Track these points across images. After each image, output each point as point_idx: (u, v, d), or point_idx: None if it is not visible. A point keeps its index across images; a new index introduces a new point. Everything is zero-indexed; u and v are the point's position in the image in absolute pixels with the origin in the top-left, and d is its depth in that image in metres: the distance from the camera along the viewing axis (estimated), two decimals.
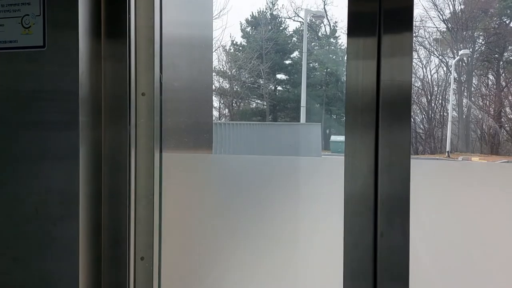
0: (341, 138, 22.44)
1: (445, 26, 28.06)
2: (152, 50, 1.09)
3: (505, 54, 27.39)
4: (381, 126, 1.08)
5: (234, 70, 30.93)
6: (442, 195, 1.43)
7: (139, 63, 1.09)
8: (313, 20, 21.28)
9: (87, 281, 0.91)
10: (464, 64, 25.65)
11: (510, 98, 26.38)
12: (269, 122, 30.52)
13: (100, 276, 0.97)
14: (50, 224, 0.87)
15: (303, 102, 17.87)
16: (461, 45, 27.12)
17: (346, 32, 1.17)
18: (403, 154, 1.07)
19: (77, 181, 0.86)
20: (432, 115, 27.76)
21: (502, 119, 26.44)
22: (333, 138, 23.51)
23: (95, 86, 0.98)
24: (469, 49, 26.13)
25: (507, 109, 26.38)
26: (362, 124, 1.10)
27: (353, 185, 1.11)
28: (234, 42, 32.84)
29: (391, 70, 1.09)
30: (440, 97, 27.94)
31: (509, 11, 26.59)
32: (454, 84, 24.23)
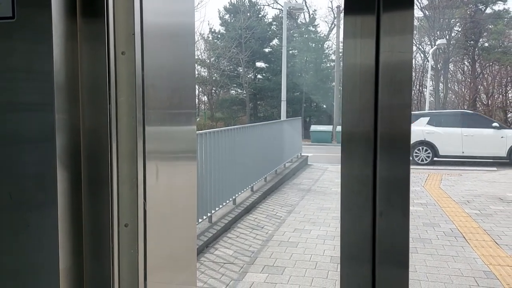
0: (321, 127, 22.70)
1: (423, 14, 28.51)
2: (132, 31, 1.01)
3: (481, 40, 28.04)
4: (381, 103, 1.04)
5: (213, 59, 30.70)
6: None
7: (118, 44, 1.01)
8: (293, 11, 21.22)
9: (68, 270, 0.85)
10: (441, 51, 26.14)
11: (485, 84, 27.09)
12: (250, 110, 30.52)
13: (82, 264, 0.91)
14: (26, 211, 0.80)
15: (283, 96, 17.83)
16: (438, 32, 27.61)
17: (343, 10, 1.12)
18: (403, 130, 1.04)
19: (54, 165, 0.79)
20: None
21: (477, 105, 27.17)
22: (313, 128, 23.71)
23: (71, 65, 0.91)
24: (446, 37, 26.61)
25: (482, 95, 27.10)
26: (360, 102, 1.06)
27: (350, 162, 1.08)
28: (213, 30, 32.57)
29: (391, 48, 1.05)
30: (418, 83, 28.48)
31: None
32: (432, 72, 24.70)
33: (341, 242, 1.09)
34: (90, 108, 0.96)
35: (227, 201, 6.05)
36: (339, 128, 21.14)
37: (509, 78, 26.66)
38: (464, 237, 5.25)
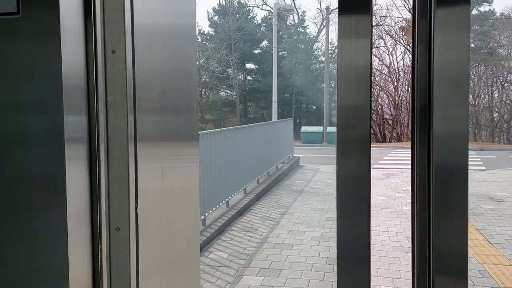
0: (311, 128, 22.74)
1: (411, 15, 28.76)
2: (122, 29, 0.97)
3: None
4: (436, 102, 1.03)
5: (202, 60, 30.60)
6: None
7: (108, 43, 0.97)
8: (283, 12, 21.33)
9: (78, 277, 0.81)
10: None
11: (471, 84, 27.40)
12: (240, 112, 30.47)
13: (93, 271, 0.87)
14: (32, 215, 0.76)
15: (274, 97, 17.82)
16: None
17: (338, 10, 1.12)
18: (462, 127, 1.03)
19: (63, 168, 0.75)
20: (399, 101, 28.56)
21: None
22: (304, 128, 23.75)
23: (80, 64, 0.87)
24: None
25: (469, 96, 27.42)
26: (356, 102, 1.05)
27: (346, 163, 1.07)
28: (202, 32, 32.48)
29: (446, 44, 1.03)
30: (406, 84, 28.74)
31: None
32: None
33: (337, 244, 1.07)
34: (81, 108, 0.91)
35: (220, 204, 6.01)
36: (329, 129, 21.21)
37: (494, 78, 27.07)
38: None
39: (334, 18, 26.73)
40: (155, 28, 1.23)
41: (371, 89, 1.07)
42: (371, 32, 1.06)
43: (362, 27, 1.05)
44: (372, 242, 5.50)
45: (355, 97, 1.07)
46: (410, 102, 1.04)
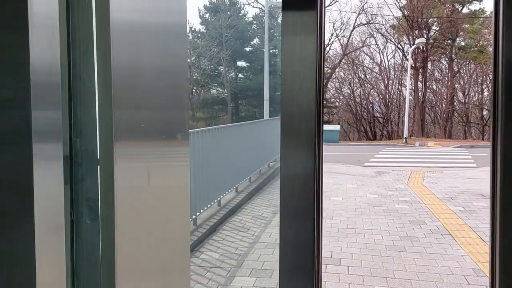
0: None
1: (402, 13, 28.86)
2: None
3: (457, 39, 28.59)
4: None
5: (193, 58, 30.41)
6: None
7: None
8: (274, 10, 21.31)
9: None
10: (420, 50, 26.55)
11: (461, 82, 27.65)
12: (231, 110, 30.34)
13: (64, 280, 0.78)
14: None
15: (266, 95, 17.72)
16: (416, 31, 28.03)
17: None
18: None
19: (30, 170, 0.66)
20: (389, 100, 28.66)
21: (455, 103, 27.73)
22: None
23: (51, 55, 0.78)
24: (424, 36, 27.04)
25: (459, 93, 27.68)
26: (301, 99, 1.00)
27: (290, 162, 1.01)
28: (193, 29, 32.27)
29: None
30: (397, 82, 28.86)
31: None
32: (411, 70, 25.06)
33: (280, 252, 1.01)
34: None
35: (212, 203, 5.92)
36: None
37: (484, 76, 27.29)
38: (450, 234, 5.26)
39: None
40: (138, 23, 1.15)
41: (322, 88, 1.03)
42: (319, 29, 1.02)
43: (307, 24, 1.01)
44: (365, 241, 5.44)
45: (300, 97, 1.03)
46: (491, 95, 0.95)
